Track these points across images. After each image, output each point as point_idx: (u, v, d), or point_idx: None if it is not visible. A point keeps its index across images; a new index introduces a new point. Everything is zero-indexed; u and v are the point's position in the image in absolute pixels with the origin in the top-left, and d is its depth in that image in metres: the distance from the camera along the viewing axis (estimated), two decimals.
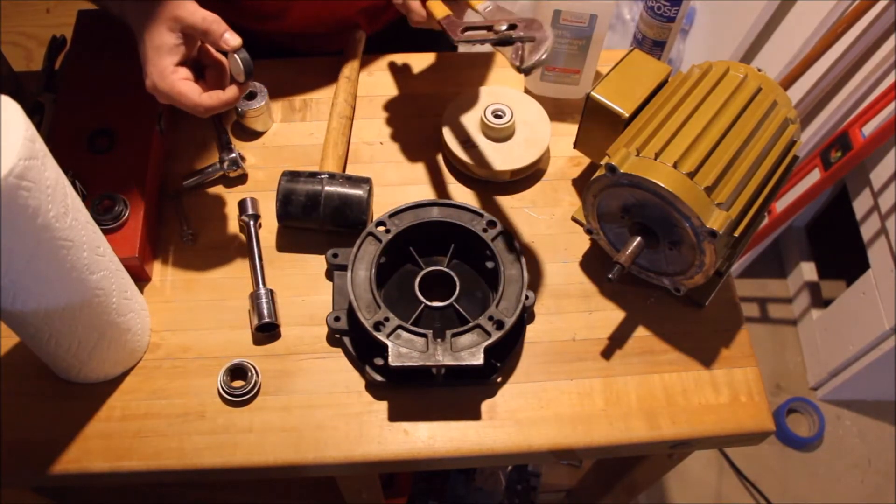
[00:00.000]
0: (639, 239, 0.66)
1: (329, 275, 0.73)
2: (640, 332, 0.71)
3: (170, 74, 0.63)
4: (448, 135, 0.79)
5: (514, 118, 0.79)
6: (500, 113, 0.79)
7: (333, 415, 0.65)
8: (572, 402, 0.67)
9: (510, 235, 0.69)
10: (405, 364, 0.61)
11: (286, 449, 0.63)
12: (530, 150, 0.79)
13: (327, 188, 0.72)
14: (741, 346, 0.71)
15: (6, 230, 0.47)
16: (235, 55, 0.64)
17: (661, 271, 0.70)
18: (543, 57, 0.60)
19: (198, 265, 0.73)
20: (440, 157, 0.82)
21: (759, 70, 0.70)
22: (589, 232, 0.72)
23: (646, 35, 0.86)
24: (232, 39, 0.64)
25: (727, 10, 1.75)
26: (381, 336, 0.62)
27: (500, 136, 0.79)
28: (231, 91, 0.65)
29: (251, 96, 0.80)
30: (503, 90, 0.83)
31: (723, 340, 0.71)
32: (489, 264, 0.70)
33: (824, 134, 1.54)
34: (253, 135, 0.82)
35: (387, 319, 0.63)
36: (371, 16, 0.92)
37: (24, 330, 0.58)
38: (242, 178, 0.79)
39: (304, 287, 0.72)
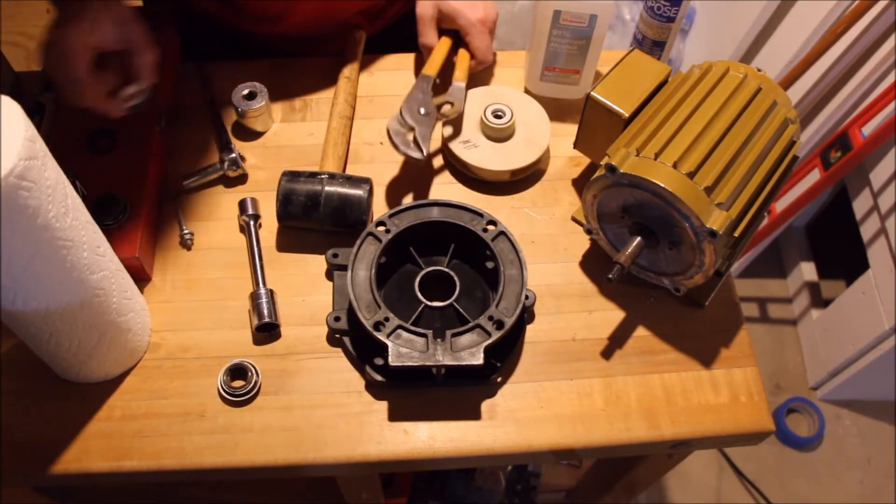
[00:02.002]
0: (639, 239, 0.66)
1: (329, 275, 0.73)
2: (640, 332, 0.71)
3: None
4: (448, 135, 0.79)
5: (514, 118, 0.79)
6: (500, 113, 0.79)
7: (333, 415, 0.65)
8: (572, 402, 0.67)
9: (510, 235, 0.69)
10: (405, 364, 0.61)
11: (286, 449, 0.63)
12: (530, 149, 0.79)
13: (327, 188, 0.72)
14: (741, 346, 0.71)
15: (6, 230, 0.47)
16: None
17: (660, 271, 0.70)
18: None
19: (198, 265, 0.73)
20: (440, 158, 0.82)
21: (759, 70, 0.70)
22: (589, 232, 0.72)
23: (646, 35, 0.86)
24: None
25: (727, 10, 1.75)
26: (381, 336, 0.62)
27: (500, 136, 0.79)
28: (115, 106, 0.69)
29: (251, 97, 0.80)
30: (503, 90, 0.83)
31: (723, 340, 0.71)
32: (489, 264, 0.70)
33: (824, 134, 1.54)
34: (253, 135, 0.82)
35: (387, 319, 0.63)
36: (369, 18, 0.92)
37: (25, 330, 0.58)
38: (242, 178, 0.79)
39: (304, 287, 0.72)
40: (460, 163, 0.79)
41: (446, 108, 0.78)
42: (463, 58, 0.83)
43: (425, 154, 0.73)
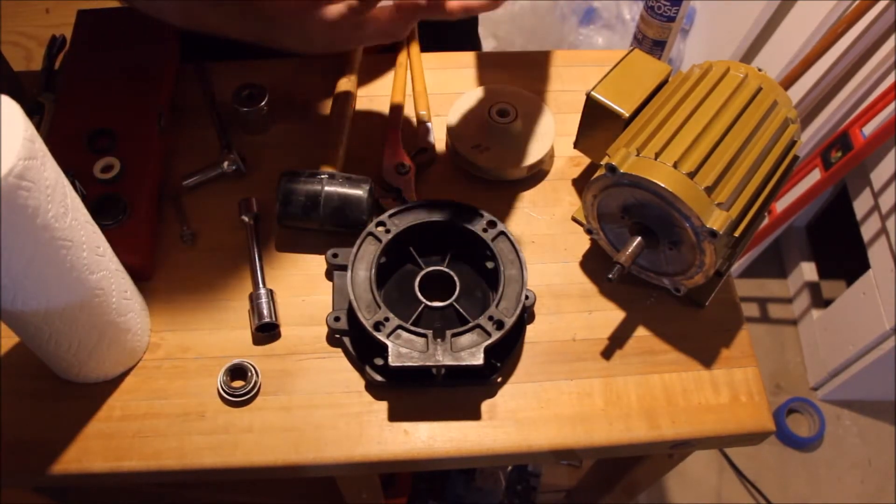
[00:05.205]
0: (639, 239, 0.66)
1: (329, 275, 0.73)
2: (640, 332, 0.71)
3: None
4: (457, 139, 0.79)
5: (518, 114, 0.79)
6: (504, 111, 0.79)
7: (333, 415, 0.65)
8: (572, 402, 0.67)
9: (510, 235, 0.69)
10: (405, 364, 0.61)
11: (286, 449, 0.63)
12: (540, 141, 0.79)
13: (327, 188, 0.72)
14: (741, 346, 0.71)
15: (6, 230, 0.47)
16: None
17: (661, 271, 0.70)
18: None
19: (198, 265, 0.73)
20: (440, 157, 0.82)
21: (760, 70, 0.70)
22: (589, 232, 0.72)
23: (646, 35, 0.87)
24: None
25: (727, 10, 1.75)
26: (381, 336, 0.62)
27: (509, 133, 0.79)
28: None
29: (251, 97, 0.80)
30: (495, 88, 0.83)
31: (723, 340, 0.71)
32: (489, 264, 0.70)
33: (824, 134, 1.54)
34: (253, 135, 0.82)
35: (387, 319, 0.63)
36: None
37: (24, 330, 0.58)
38: (242, 178, 0.79)
39: (304, 287, 0.72)
40: (474, 167, 0.78)
41: (422, 156, 0.79)
42: (420, 95, 0.84)
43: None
